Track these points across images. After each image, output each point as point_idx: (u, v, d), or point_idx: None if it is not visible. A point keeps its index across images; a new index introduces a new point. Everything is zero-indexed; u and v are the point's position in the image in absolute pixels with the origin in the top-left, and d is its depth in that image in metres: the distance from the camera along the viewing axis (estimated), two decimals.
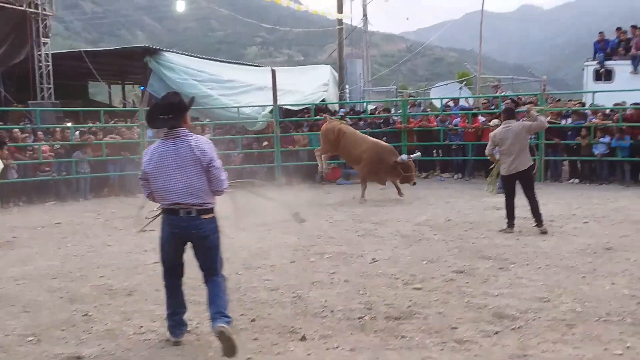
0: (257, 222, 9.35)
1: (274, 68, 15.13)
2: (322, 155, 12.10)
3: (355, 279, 5.89)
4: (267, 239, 8.02)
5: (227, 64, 19.89)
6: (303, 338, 4.39)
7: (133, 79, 23.41)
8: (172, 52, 16.70)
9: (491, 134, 8.36)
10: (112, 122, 14.88)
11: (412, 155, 11.47)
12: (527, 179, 7.98)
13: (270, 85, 13.91)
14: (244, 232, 8.57)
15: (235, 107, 14.50)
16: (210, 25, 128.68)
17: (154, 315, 4.99)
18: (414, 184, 11.49)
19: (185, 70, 15.37)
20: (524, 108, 12.31)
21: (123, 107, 22.65)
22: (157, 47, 16.33)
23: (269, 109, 14.28)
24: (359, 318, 4.77)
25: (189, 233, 4.16)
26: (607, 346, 4.07)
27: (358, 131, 12.49)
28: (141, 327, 4.76)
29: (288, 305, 5.15)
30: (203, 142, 4.21)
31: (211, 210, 4.23)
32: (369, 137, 12.15)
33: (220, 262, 4.34)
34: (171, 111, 4.14)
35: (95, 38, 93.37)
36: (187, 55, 17.68)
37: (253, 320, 4.81)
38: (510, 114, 8.26)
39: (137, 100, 16.95)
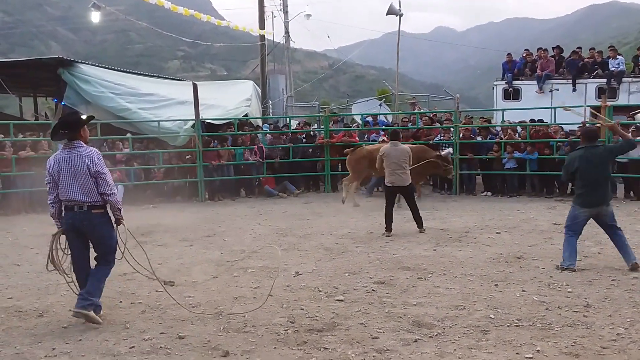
0: (178, 237, 9.18)
1: (195, 82, 14.92)
2: (352, 184, 12.41)
3: (279, 292, 5.88)
4: (189, 255, 7.87)
5: (146, 78, 19.37)
6: (226, 354, 4.34)
7: (46, 91, 22.32)
8: (88, 64, 16.08)
9: (380, 150, 9.52)
10: (22, 135, 14.10)
11: (446, 150, 12.61)
12: (406, 193, 9.39)
13: (192, 99, 13.72)
14: (165, 247, 8.39)
15: (156, 120, 14.16)
16: (129, 37, 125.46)
17: (67, 337, 4.77)
18: (452, 176, 12.80)
19: (102, 83, 14.84)
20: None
21: (35, 120, 21.55)
22: (72, 59, 15.71)
23: (190, 123, 14.06)
24: (282, 332, 4.77)
25: (81, 224, 5.08)
26: (519, 350, 4.29)
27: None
28: (53, 349, 4.53)
29: (210, 321, 5.07)
30: (92, 153, 5.07)
31: (101, 207, 5.13)
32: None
33: (111, 254, 5.28)
34: (68, 127, 5.08)
35: (5, 49, 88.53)
36: (104, 68, 17.09)
37: (178, 337, 4.70)
38: (395, 136, 9.62)
39: (51, 114, 16.19)
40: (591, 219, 6.69)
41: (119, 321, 5.13)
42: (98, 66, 16.71)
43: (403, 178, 9.16)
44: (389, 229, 9.10)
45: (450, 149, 12.96)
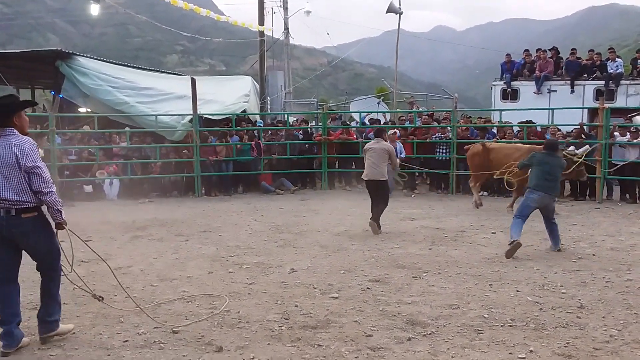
0: (174, 232, 9.18)
1: (194, 77, 14.90)
2: (476, 184, 11.77)
3: (274, 289, 5.89)
4: (184, 249, 7.87)
5: (145, 72, 19.33)
6: (219, 349, 4.34)
7: (44, 83, 22.27)
8: (86, 57, 16.01)
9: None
10: None
11: (581, 149, 11.00)
12: (377, 188, 9.27)
13: (190, 94, 13.70)
14: (161, 242, 8.39)
15: (154, 115, 14.14)
16: (128, 31, 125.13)
17: None
18: (587, 179, 11.57)
19: (100, 76, 14.80)
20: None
21: (32, 112, 21.51)
22: (70, 51, 15.66)
23: (188, 118, 14.04)
24: (276, 328, 4.77)
25: (8, 231, 4.27)
26: (512, 350, 4.30)
27: (505, 143, 12.14)
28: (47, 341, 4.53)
29: (204, 316, 5.07)
30: (25, 143, 4.26)
31: (33, 210, 4.32)
32: (521, 145, 11.87)
33: (55, 260, 4.56)
34: None
35: (3, 40, 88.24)
36: (103, 61, 17.04)
37: (172, 332, 4.70)
38: (379, 134, 9.84)
39: (48, 106, 16.14)
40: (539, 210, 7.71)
41: (113, 315, 5.13)
42: (96, 59, 16.66)
43: (375, 172, 9.16)
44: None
45: (587, 146, 11.31)
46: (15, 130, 4.30)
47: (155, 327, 4.80)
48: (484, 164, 11.49)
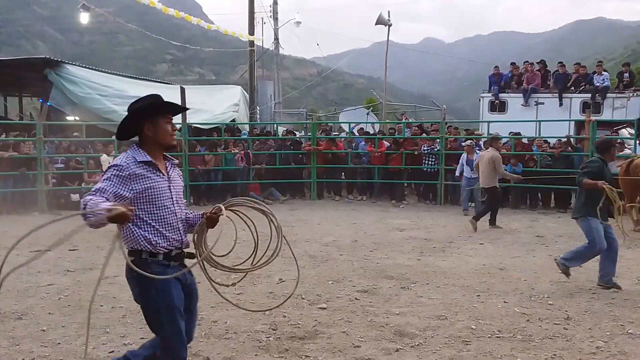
0: None
1: (183, 86, 14.89)
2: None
3: (262, 299, 5.86)
4: None
5: (134, 80, 19.31)
6: None
7: (32, 91, 22.17)
8: (75, 65, 15.98)
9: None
10: (4, 136, 13.96)
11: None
12: (485, 193, 10.67)
13: (179, 103, 13.67)
14: None
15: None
16: (117, 39, 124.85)
17: (45, 340, 4.70)
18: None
19: (89, 84, 14.77)
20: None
21: (20, 120, 21.36)
22: (59, 59, 15.61)
23: (177, 127, 14.00)
24: (264, 339, 4.75)
25: None
26: None
27: None
28: (32, 352, 4.47)
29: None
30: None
31: (132, 253, 3.26)
32: None
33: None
34: None
35: None
36: (92, 69, 17.01)
37: None
38: (490, 143, 10.93)
39: (36, 114, 16.04)
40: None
41: (99, 325, 5.07)
42: (85, 67, 16.64)
43: (483, 180, 10.43)
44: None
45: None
46: (135, 146, 3.23)
47: (141, 338, 4.75)
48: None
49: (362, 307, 5.59)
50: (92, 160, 13.76)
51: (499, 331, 4.92)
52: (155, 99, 3.23)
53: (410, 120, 18.62)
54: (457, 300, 5.86)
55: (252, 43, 21.10)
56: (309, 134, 15.49)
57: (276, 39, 23.11)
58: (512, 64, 18.23)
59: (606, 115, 15.70)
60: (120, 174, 3.04)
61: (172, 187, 3.27)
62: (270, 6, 22.90)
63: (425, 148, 14.13)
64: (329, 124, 19.44)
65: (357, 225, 10.67)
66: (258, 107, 20.11)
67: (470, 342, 4.68)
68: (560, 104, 16.41)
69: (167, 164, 3.33)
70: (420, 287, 6.39)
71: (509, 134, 14.20)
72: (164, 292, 3.17)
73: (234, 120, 16.97)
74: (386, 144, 14.70)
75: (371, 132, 17.07)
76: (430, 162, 13.98)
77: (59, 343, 4.66)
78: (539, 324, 5.11)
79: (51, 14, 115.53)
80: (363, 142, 15.18)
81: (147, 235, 3.17)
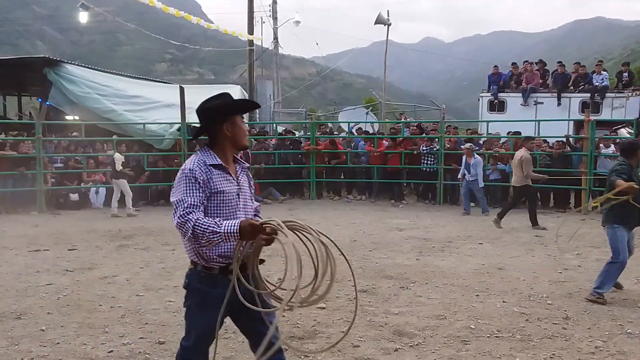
0: (161, 241, 9.13)
1: (182, 85, 14.88)
2: None
3: None
4: (171, 259, 7.81)
5: (133, 80, 19.30)
6: None
7: (31, 90, 22.16)
8: (74, 64, 15.97)
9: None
10: (3, 135, 13.95)
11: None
12: (513, 192, 11.13)
13: (179, 102, 13.67)
14: (147, 251, 8.33)
15: (141, 123, 14.08)
16: (117, 39, 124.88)
17: (44, 340, 4.70)
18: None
19: (88, 84, 14.75)
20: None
21: (19, 119, 21.34)
22: (58, 59, 15.60)
23: (176, 126, 14.00)
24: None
25: None
26: None
27: None
28: (30, 351, 4.46)
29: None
30: (182, 167, 2.90)
31: (191, 263, 3.04)
32: None
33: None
34: None
35: None
36: (91, 69, 16.99)
37: (157, 342, 4.66)
38: (523, 142, 11.36)
39: (35, 113, 16.03)
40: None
41: (98, 325, 5.07)
42: (84, 67, 16.62)
43: (514, 179, 10.83)
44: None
45: None
46: (205, 148, 2.95)
47: (140, 338, 4.75)
48: None
49: (361, 307, 5.59)
50: (92, 159, 13.76)
51: (498, 331, 4.93)
52: (229, 97, 3.02)
53: (409, 119, 18.62)
54: (456, 300, 5.86)
55: (251, 42, 21.10)
56: (308, 133, 15.50)
57: (275, 38, 23.11)
58: (513, 64, 18.22)
59: (605, 114, 15.70)
60: (197, 180, 2.79)
61: (240, 194, 2.98)
62: (270, 5, 22.91)
63: (425, 148, 14.13)
64: (329, 124, 19.44)
65: (356, 225, 10.67)
66: None
67: (469, 341, 4.68)
68: (559, 104, 16.41)
69: (238, 167, 3.06)
70: (419, 286, 6.39)
71: (508, 133, 14.21)
72: (204, 309, 2.96)
73: None
74: (385, 143, 14.70)
75: (370, 131, 17.08)
76: (429, 162, 13.99)
77: (57, 343, 4.66)
78: (538, 324, 5.11)
79: (50, 13, 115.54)
80: (362, 142, 15.19)
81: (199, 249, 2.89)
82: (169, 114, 14.61)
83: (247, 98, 19.65)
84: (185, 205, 2.72)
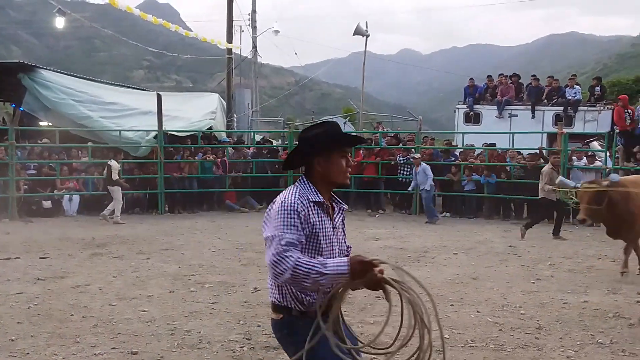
0: (135, 249, 9.02)
1: (159, 93, 14.79)
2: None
3: (236, 308, 5.82)
4: (145, 268, 7.72)
5: (110, 86, 19.10)
6: None
7: (5, 96, 21.74)
8: (49, 70, 15.76)
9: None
10: None
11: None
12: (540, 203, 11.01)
13: (156, 110, 13.58)
14: (121, 260, 8.22)
15: (117, 130, 13.94)
16: (94, 45, 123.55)
17: (14, 350, 4.60)
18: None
19: (63, 90, 14.56)
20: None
21: None
22: (33, 64, 15.38)
23: (153, 134, 13.89)
24: (238, 349, 4.71)
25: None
26: None
27: None
28: None
29: (164, 337, 4.97)
30: (281, 199, 2.60)
31: (279, 309, 2.64)
32: None
33: None
34: None
35: None
36: (67, 75, 16.78)
37: (130, 353, 4.59)
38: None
39: (8, 119, 15.76)
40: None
41: (69, 335, 4.98)
42: (60, 72, 16.41)
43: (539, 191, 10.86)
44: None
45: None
46: (305, 180, 2.68)
47: (112, 348, 4.69)
48: None
49: None
50: (66, 166, 13.56)
51: (472, 340, 4.97)
52: (331, 128, 2.71)
53: (386, 130, 18.74)
54: (431, 309, 5.88)
55: (230, 51, 21.05)
56: (286, 142, 15.50)
57: (254, 47, 23.10)
58: (488, 76, 18.49)
59: (578, 127, 16.00)
60: (299, 215, 2.51)
61: (334, 237, 2.71)
62: (249, 14, 22.90)
63: (401, 158, 14.23)
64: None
65: None
66: (235, 115, 20.03)
67: (443, 351, 4.70)
68: (533, 117, 16.67)
69: (336, 207, 2.80)
70: (395, 296, 6.36)
71: (483, 145, 14.40)
72: (323, 350, 2.56)
73: (210, 127, 16.89)
74: (362, 153, 14.78)
75: None
76: (405, 172, 14.09)
77: (27, 353, 4.57)
78: (511, 334, 5.17)
79: (26, 18, 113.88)
80: None
81: (297, 292, 2.57)
82: (146, 121, 14.50)
83: (224, 106, 19.58)
84: (283, 242, 2.42)
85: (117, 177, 12.24)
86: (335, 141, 2.69)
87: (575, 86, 16.65)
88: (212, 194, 14.57)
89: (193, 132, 15.32)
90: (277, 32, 23.82)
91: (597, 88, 16.98)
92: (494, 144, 14.19)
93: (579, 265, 8.30)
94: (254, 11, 22.80)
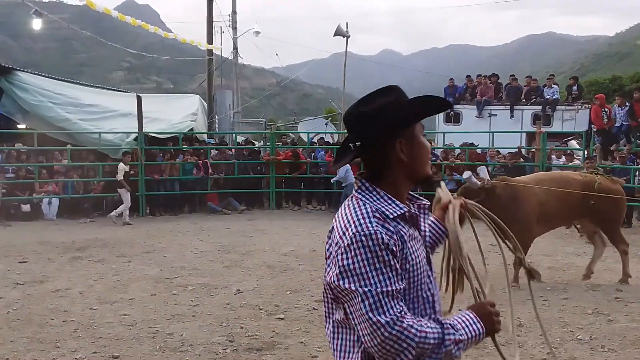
0: (116, 253, 8.94)
1: (139, 94, 14.66)
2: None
3: (219, 311, 5.80)
4: (126, 271, 7.66)
5: (89, 88, 18.89)
6: None
7: None
8: (26, 72, 15.54)
9: None
10: None
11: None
12: None
13: (136, 111, 13.46)
14: (102, 263, 8.15)
15: (97, 132, 13.80)
16: (72, 46, 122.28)
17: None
18: None
19: (41, 92, 14.36)
20: None
21: None
22: (10, 66, 15.15)
23: (133, 136, 13.78)
24: (220, 351, 4.70)
25: None
26: None
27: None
28: None
29: (146, 340, 4.94)
30: (349, 222, 1.69)
31: None
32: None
33: None
34: None
35: None
36: (44, 77, 16.57)
37: (111, 357, 4.55)
38: None
39: None
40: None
41: (49, 340, 4.93)
42: (37, 74, 16.19)
43: None
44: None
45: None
46: (370, 186, 1.74)
47: (93, 352, 4.64)
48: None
49: (320, 317, 5.59)
50: (44, 169, 13.39)
51: None
52: (403, 93, 1.77)
53: None
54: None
55: (210, 52, 20.95)
56: (268, 143, 15.47)
57: (235, 48, 23.01)
58: (468, 76, 18.65)
59: (556, 127, 16.21)
60: (393, 253, 1.60)
61: (427, 252, 1.85)
62: (229, 15, 22.81)
63: None
64: (291, 135, 19.45)
65: (316, 235, 10.67)
66: (217, 117, 19.95)
67: None
68: (512, 116, 16.87)
69: (419, 210, 1.87)
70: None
71: (462, 144, 14.52)
72: None
73: (192, 129, 16.79)
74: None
75: (330, 142, 17.16)
76: None
77: (7, 359, 4.51)
78: None
79: (2, 20, 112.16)
80: (322, 152, 15.24)
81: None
82: (126, 123, 14.35)
83: (206, 107, 19.46)
84: (389, 305, 1.56)
85: (121, 179, 12.29)
86: (427, 108, 1.74)
87: (553, 86, 16.88)
88: (194, 196, 14.47)
89: (174, 134, 15.22)
90: (257, 33, 23.75)
91: (575, 87, 17.23)
92: (472, 144, 14.30)
93: (558, 262, 8.41)
94: (234, 12, 22.73)
